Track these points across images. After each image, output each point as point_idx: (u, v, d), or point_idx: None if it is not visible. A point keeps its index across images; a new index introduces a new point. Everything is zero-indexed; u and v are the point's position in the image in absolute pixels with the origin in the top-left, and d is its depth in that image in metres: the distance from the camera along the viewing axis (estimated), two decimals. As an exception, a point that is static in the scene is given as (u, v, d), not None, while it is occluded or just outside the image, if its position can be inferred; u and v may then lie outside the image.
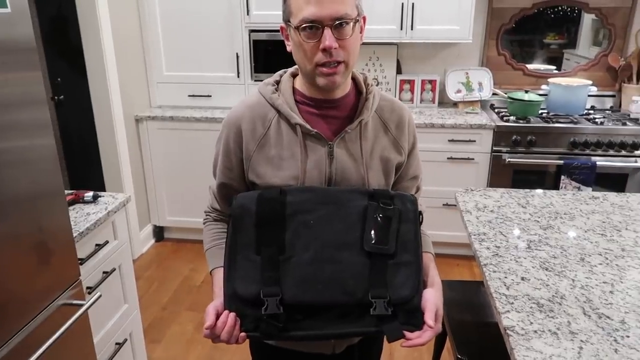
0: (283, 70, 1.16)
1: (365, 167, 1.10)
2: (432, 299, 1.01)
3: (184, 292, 2.88)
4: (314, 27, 0.97)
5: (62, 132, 3.20)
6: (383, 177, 1.13)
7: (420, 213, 1.08)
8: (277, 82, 1.13)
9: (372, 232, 1.00)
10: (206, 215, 1.23)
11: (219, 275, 1.06)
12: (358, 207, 1.02)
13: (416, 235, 1.04)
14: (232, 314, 0.97)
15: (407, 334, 0.97)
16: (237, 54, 3.15)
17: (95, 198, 1.76)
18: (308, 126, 1.07)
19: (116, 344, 1.82)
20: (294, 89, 1.11)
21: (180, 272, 3.09)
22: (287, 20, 1.03)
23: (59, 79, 3.08)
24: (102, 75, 2.89)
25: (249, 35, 3.11)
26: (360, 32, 1.06)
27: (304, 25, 0.98)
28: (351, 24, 0.99)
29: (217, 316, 0.98)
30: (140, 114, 3.21)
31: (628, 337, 1.04)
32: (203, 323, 0.98)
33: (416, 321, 0.98)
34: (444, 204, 3.03)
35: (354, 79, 1.13)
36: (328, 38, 0.97)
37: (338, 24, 0.97)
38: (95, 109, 2.97)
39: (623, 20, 3.20)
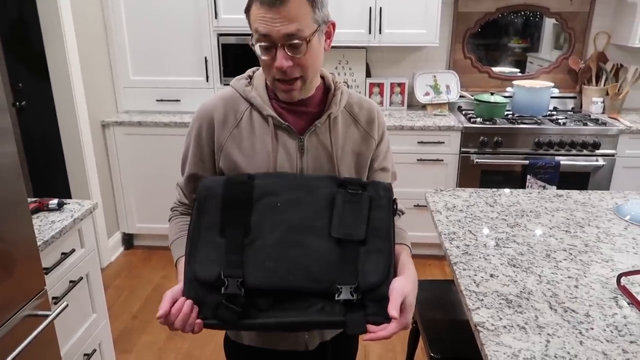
0: (256, 67, 1.16)
1: (337, 160, 1.10)
2: (399, 288, 0.95)
3: (155, 301, 2.82)
4: (267, 44, 0.98)
5: (24, 138, 3.10)
6: (354, 171, 1.14)
7: (395, 201, 1.05)
8: (250, 77, 1.14)
9: (340, 218, 0.98)
10: (172, 211, 1.21)
11: (182, 264, 1.03)
12: (327, 193, 1.01)
13: (389, 222, 1.01)
14: (189, 302, 0.93)
15: (372, 327, 0.93)
16: (205, 58, 3.12)
17: (60, 205, 1.72)
18: (280, 119, 1.08)
19: (85, 355, 1.77)
20: (266, 85, 1.12)
21: (151, 280, 3.03)
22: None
23: (20, 85, 2.99)
24: (66, 80, 2.81)
25: (218, 39, 3.09)
26: (328, 39, 1.06)
27: (258, 43, 0.98)
28: (305, 42, 0.98)
29: (174, 303, 0.94)
30: (106, 119, 3.14)
31: (592, 329, 1.08)
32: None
33: (385, 313, 0.92)
34: (414, 205, 3.07)
35: (322, 76, 1.14)
36: (279, 58, 0.98)
37: (290, 44, 0.97)
38: (59, 114, 2.89)
39: (582, 25, 3.32)
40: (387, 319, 0.92)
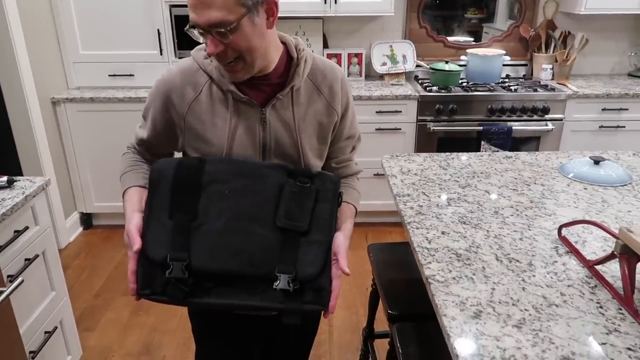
0: None
1: (298, 132, 1.11)
2: (343, 245, 1.06)
3: (117, 278, 2.80)
4: (200, 30, 0.97)
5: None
6: (316, 142, 1.15)
7: (340, 195, 1.10)
8: None
9: (286, 208, 1.02)
10: (127, 148, 1.23)
11: (131, 194, 1.07)
12: (275, 183, 1.03)
13: (332, 216, 1.07)
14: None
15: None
16: (158, 30, 3.04)
17: (10, 183, 1.67)
18: (239, 93, 1.07)
19: (45, 332, 1.76)
20: None
21: (112, 258, 3.00)
22: None
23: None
24: (11, 56, 2.69)
25: (170, 10, 3.01)
26: (271, 17, 1.01)
27: (191, 29, 0.98)
28: (228, 30, 0.95)
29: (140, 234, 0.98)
30: (56, 95, 3.03)
31: (534, 276, 1.15)
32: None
33: (323, 301, 1.01)
34: (374, 174, 3.14)
35: (285, 43, 1.12)
36: (208, 45, 0.98)
37: (216, 31, 0.95)
38: (5, 91, 2.77)
39: (532, -7, 3.40)
40: (324, 307, 1.01)
